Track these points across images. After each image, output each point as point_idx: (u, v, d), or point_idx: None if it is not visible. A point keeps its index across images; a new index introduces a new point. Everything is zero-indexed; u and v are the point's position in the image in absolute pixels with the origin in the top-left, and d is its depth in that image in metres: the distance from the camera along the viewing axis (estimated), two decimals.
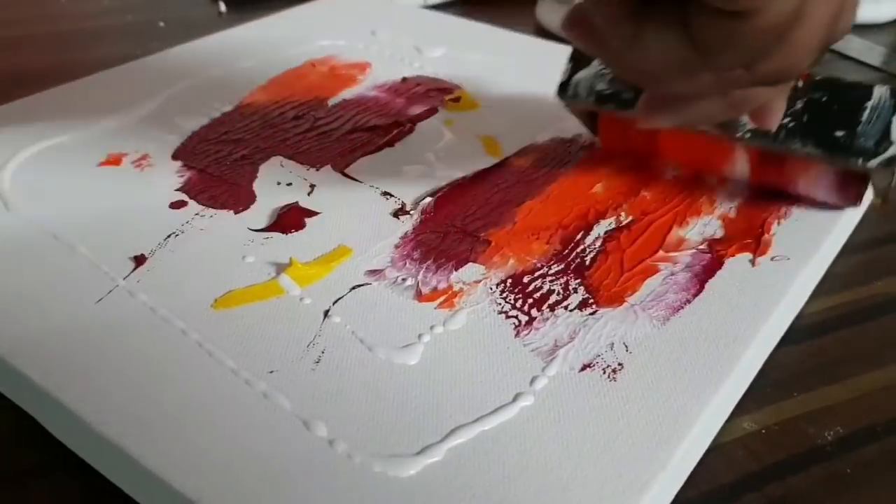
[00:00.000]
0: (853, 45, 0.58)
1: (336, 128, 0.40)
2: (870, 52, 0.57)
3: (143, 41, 0.53)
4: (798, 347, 0.31)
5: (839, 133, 0.33)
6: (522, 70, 0.46)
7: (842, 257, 0.36)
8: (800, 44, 0.23)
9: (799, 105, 0.33)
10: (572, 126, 0.40)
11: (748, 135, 0.33)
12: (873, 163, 0.32)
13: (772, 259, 0.31)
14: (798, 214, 0.34)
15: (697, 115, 0.27)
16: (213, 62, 0.47)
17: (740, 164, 0.35)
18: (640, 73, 0.25)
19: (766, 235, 0.33)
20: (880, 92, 0.33)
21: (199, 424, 0.24)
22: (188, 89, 0.44)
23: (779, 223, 0.33)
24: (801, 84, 0.34)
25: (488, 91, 0.44)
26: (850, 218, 0.36)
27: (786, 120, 0.33)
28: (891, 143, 0.32)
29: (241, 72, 0.46)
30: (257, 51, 0.48)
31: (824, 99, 0.33)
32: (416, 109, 0.42)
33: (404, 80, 0.45)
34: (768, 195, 0.35)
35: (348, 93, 0.44)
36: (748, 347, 0.28)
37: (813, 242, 0.33)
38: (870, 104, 0.33)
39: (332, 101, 0.43)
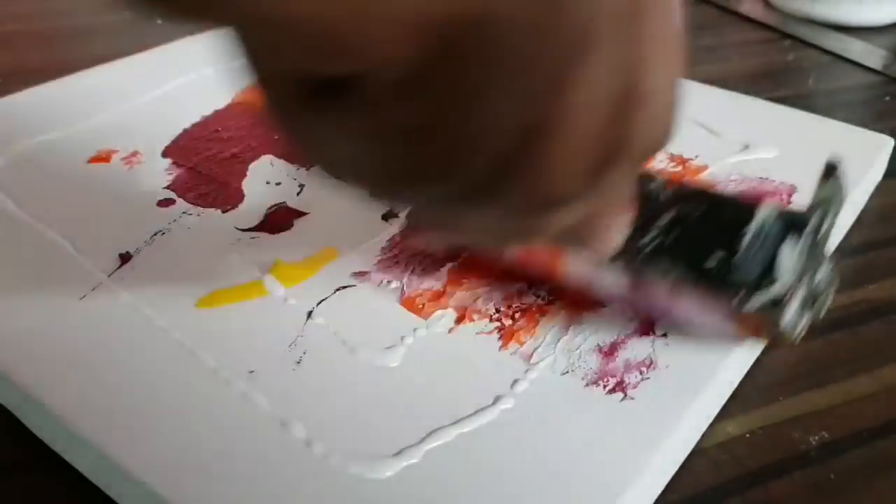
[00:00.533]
0: (854, 48, 0.58)
1: None
2: (870, 55, 0.57)
3: (140, 37, 0.53)
4: (786, 351, 0.31)
5: (711, 262, 0.26)
6: None
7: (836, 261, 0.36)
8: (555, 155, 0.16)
9: (665, 220, 0.27)
10: None
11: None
12: (751, 305, 0.25)
13: None
14: None
15: (463, 238, 0.21)
16: (209, 59, 0.46)
17: (610, 283, 0.28)
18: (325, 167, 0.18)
19: None
20: (765, 214, 0.27)
21: (177, 424, 0.24)
22: (182, 86, 0.44)
23: None
24: (665, 194, 0.28)
25: None
26: (843, 222, 0.36)
27: (648, 237, 0.27)
28: (773, 281, 0.25)
29: (236, 70, 0.46)
30: None
31: (697, 215, 0.27)
32: None
33: None
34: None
35: None
36: (731, 352, 0.27)
37: None
38: (751, 228, 0.26)
39: None
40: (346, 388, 0.26)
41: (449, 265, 0.30)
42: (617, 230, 0.22)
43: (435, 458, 0.23)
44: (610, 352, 0.27)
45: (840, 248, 0.36)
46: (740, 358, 0.28)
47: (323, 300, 0.29)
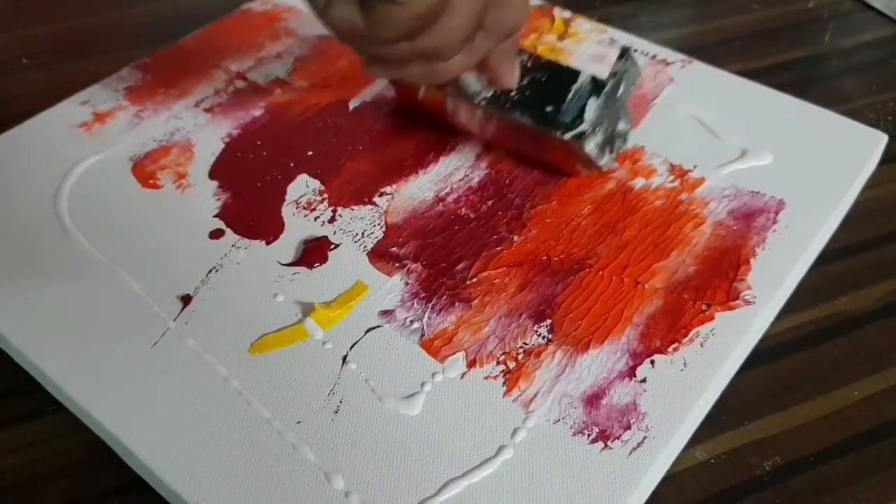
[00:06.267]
0: None
1: (356, 138, 0.44)
2: (892, 3, 0.57)
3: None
4: (756, 372, 0.36)
5: (548, 108, 0.39)
6: None
7: (815, 269, 0.39)
8: (447, 29, 0.31)
9: (525, 81, 0.41)
10: None
11: (483, 101, 0.41)
12: (567, 136, 0.39)
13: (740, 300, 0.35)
14: (773, 240, 0.38)
15: (404, 74, 0.35)
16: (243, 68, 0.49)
17: (483, 126, 0.43)
18: (335, 35, 0.32)
19: (737, 284, 0.36)
20: (583, 78, 0.40)
21: (239, 473, 0.30)
22: (220, 86, 0.47)
23: (754, 256, 0.37)
24: (530, 63, 0.41)
25: None
26: (814, 248, 0.39)
27: (514, 93, 0.40)
28: (582, 121, 0.39)
29: (271, 64, 0.49)
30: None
31: (544, 78, 0.40)
32: None
33: None
34: (737, 236, 0.39)
35: (367, 93, 0.47)
36: (702, 395, 0.32)
37: (778, 278, 0.36)
38: (574, 86, 0.40)
39: (352, 104, 0.46)
40: (376, 438, 0.31)
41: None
42: (511, 76, 0.39)
43: None
44: (595, 399, 0.32)
45: (824, 254, 0.40)
46: (709, 398, 0.33)
47: (355, 343, 0.34)
